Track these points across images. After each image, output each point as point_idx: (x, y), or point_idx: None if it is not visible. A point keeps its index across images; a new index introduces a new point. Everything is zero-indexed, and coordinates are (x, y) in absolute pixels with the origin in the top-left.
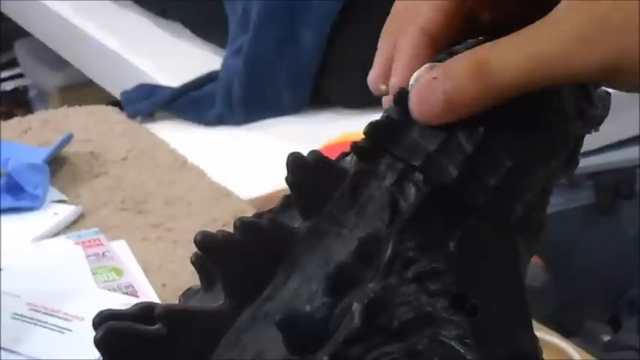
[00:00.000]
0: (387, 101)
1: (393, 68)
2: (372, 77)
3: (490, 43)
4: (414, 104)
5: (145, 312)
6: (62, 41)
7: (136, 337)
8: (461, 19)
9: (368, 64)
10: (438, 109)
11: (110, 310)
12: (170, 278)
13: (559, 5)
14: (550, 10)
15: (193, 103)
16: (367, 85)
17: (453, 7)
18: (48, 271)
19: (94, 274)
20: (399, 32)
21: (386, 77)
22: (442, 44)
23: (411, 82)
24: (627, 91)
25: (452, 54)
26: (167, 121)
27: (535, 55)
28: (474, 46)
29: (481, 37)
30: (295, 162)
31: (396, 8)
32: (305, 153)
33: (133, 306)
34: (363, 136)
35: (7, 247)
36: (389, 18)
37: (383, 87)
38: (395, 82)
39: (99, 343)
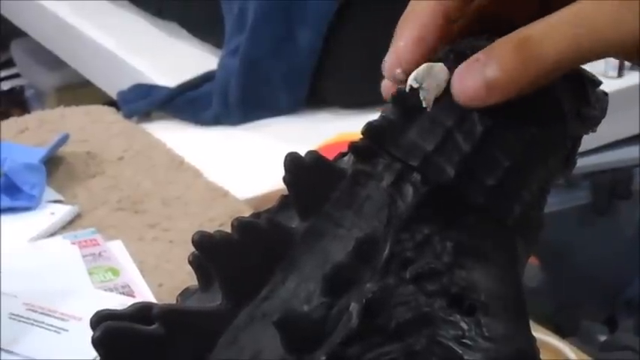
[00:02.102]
0: (386, 89)
1: (403, 30)
2: (389, 63)
3: (529, 24)
4: (456, 89)
5: (142, 312)
6: (59, 41)
7: (134, 337)
8: (472, 15)
9: (364, 64)
10: (482, 91)
11: (108, 309)
12: (166, 278)
13: None
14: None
15: (190, 103)
16: (364, 85)
17: None
18: (45, 271)
19: (90, 274)
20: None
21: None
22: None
23: (409, 82)
24: None
25: (451, 51)
26: (164, 121)
27: (579, 24)
28: (473, 44)
29: (485, 35)
30: (293, 162)
31: None
32: (302, 153)
33: (130, 306)
34: (360, 137)
35: (4, 247)
36: (408, 6)
37: (399, 72)
38: (401, 46)
39: (96, 343)
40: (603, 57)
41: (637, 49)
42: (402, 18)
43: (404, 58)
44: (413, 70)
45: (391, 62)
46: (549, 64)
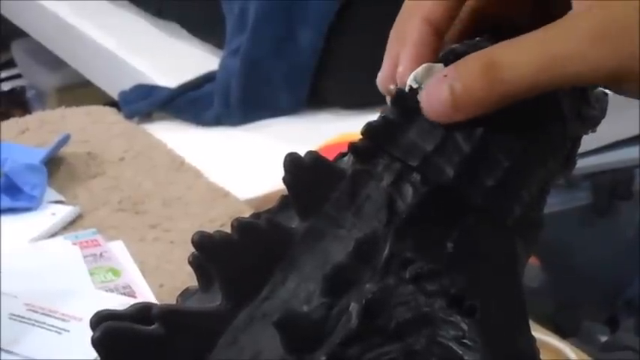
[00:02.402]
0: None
1: (400, 59)
2: (382, 78)
3: (501, 43)
4: (423, 102)
5: (142, 312)
6: (59, 42)
7: (134, 337)
8: (468, 17)
9: (365, 65)
10: (447, 107)
11: (108, 310)
12: (167, 279)
13: (573, 7)
14: (555, 9)
15: (191, 103)
16: (365, 86)
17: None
18: (45, 272)
19: (91, 274)
20: (404, 27)
21: (395, 78)
22: (445, 37)
23: (408, 82)
24: (632, 96)
25: (451, 52)
26: (164, 122)
27: (546, 55)
28: (473, 45)
29: (478, 38)
30: (293, 162)
31: (402, 9)
32: (302, 153)
33: (130, 306)
34: (360, 137)
35: (5, 247)
36: (397, 20)
37: (392, 87)
38: (401, 70)
39: (96, 344)
40: (571, 85)
41: (604, 80)
42: (393, 39)
43: (405, 81)
44: (402, 73)
45: (385, 77)
46: (514, 88)
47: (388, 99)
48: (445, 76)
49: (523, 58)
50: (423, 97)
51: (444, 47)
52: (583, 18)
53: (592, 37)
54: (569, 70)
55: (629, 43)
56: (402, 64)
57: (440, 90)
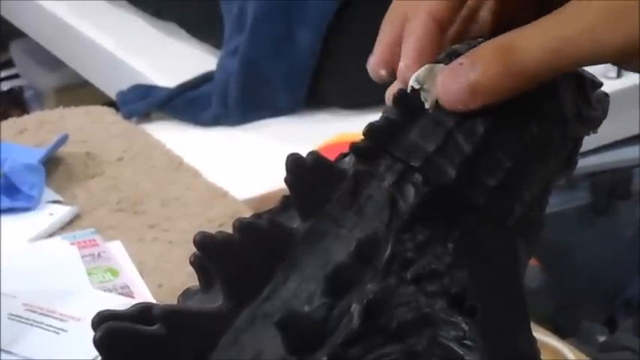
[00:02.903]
0: (389, 95)
1: (403, 51)
2: (373, 63)
3: (514, 30)
4: (440, 92)
5: (143, 312)
6: (58, 42)
7: (135, 337)
8: (469, 17)
9: (364, 65)
10: (465, 95)
11: (109, 310)
12: (166, 279)
13: None
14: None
15: (189, 103)
16: (364, 86)
17: None
18: (44, 272)
19: (89, 274)
20: (405, 19)
21: (387, 63)
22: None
23: (410, 83)
24: None
25: (453, 52)
26: (163, 122)
27: (559, 35)
28: (475, 44)
29: (480, 38)
30: (294, 163)
31: None
32: (302, 153)
33: (131, 306)
34: (361, 137)
35: (3, 247)
36: (391, 6)
37: (383, 72)
38: (403, 65)
39: (98, 344)
40: (585, 65)
41: (613, 57)
42: (386, 24)
43: (406, 77)
44: (404, 68)
45: (376, 62)
46: (531, 71)
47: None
48: (461, 63)
49: (537, 41)
50: (438, 86)
51: (445, 47)
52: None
53: (602, 15)
54: (581, 50)
55: (636, 19)
56: (404, 59)
57: (457, 77)
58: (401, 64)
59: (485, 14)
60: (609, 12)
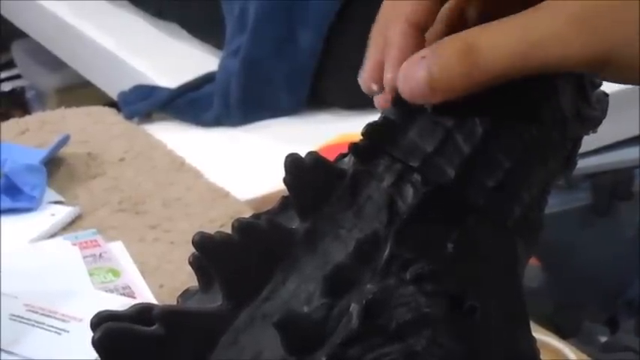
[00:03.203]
0: (379, 101)
1: (386, 64)
2: (364, 77)
3: (480, 25)
4: (400, 82)
5: (143, 313)
6: (59, 42)
7: (134, 337)
8: (452, 15)
9: None
10: (423, 87)
11: (108, 310)
12: (167, 279)
13: None
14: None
15: (191, 104)
16: None
17: None
18: (45, 272)
19: (90, 275)
20: (386, 28)
21: (377, 77)
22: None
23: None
24: (616, 82)
25: None
26: (164, 122)
27: (526, 38)
28: None
29: None
30: (293, 163)
31: (382, 9)
32: (302, 154)
33: (131, 307)
34: (361, 137)
35: (5, 248)
36: (377, 20)
37: (374, 86)
38: (389, 77)
39: (97, 344)
40: (551, 71)
41: (583, 65)
42: (374, 39)
43: (377, 74)
44: (390, 80)
45: (367, 77)
46: (492, 73)
47: (376, 99)
48: (423, 57)
49: (501, 41)
50: (399, 77)
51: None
52: (564, 2)
53: (573, 21)
54: (548, 55)
55: (611, 28)
56: (388, 70)
57: (417, 70)
58: (386, 76)
59: (471, 13)
60: (583, 20)
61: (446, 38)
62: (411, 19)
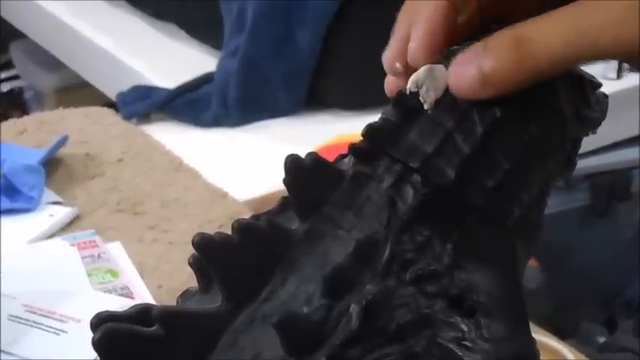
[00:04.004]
0: (389, 85)
1: (412, 35)
2: (389, 56)
3: (531, 18)
4: (452, 80)
5: (142, 313)
6: (58, 43)
7: (134, 338)
8: (473, 16)
9: (364, 66)
10: (475, 83)
11: (108, 311)
12: (166, 280)
13: None
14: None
15: (189, 104)
16: (363, 86)
17: None
18: (43, 273)
19: (89, 275)
20: (416, 5)
21: (402, 56)
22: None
23: (408, 85)
24: None
25: (452, 53)
26: (163, 123)
27: (579, 27)
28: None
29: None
30: (293, 163)
31: None
32: (301, 154)
33: (130, 307)
34: (360, 138)
35: (3, 248)
36: (409, 4)
37: (398, 65)
38: (413, 46)
39: (97, 345)
40: (600, 59)
41: (634, 53)
42: (402, 17)
43: (416, 58)
44: (414, 49)
45: (392, 55)
46: (544, 63)
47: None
48: (475, 52)
49: (555, 31)
50: (450, 75)
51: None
52: None
53: (625, 8)
54: (602, 43)
55: None
56: (413, 40)
57: (469, 65)
58: (410, 44)
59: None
60: (633, 5)
61: (496, 33)
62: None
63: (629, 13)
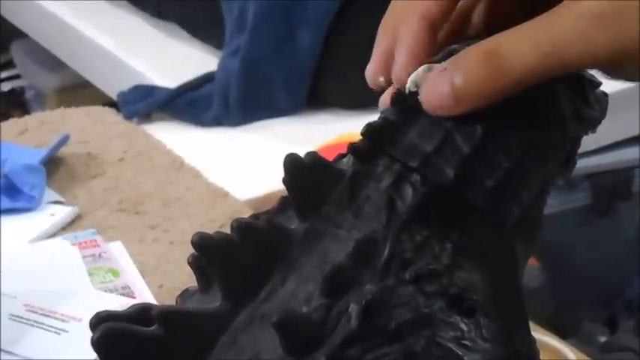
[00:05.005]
0: (384, 100)
1: (396, 53)
2: (371, 71)
3: (500, 33)
4: (423, 96)
5: (142, 313)
6: (59, 42)
7: (133, 338)
8: (460, 17)
9: (365, 65)
10: (447, 100)
11: (107, 311)
12: (167, 279)
13: None
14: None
15: (190, 104)
16: (364, 86)
17: None
18: (45, 272)
19: (90, 275)
20: (399, 23)
21: (385, 70)
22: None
23: (407, 85)
24: (633, 79)
25: (450, 53)
26: (164, 122)
27: (547, 39)
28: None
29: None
30: (292, 163)
31: (393, 3)
32: (302, 154)
33: (130, 307)
34: (360, 138)
35: (4, 248)
36: (387, 13)
37: (381, 79)
38: (398, 68)
39: (96, 344)
40: (574, 70)
41: (605, 62)
42: (382, 32)
43: (401, 80)
44: (398, 71)
45: (374, 70)
46: (516, 77)
47: (381, 99)
48: (444, 69)
49: (525, 44)
50: (422, 92)
51: (439, 49)
52: (585, 3)
53: (594, 19)
54: (572, 54)
55: (631, 24)
56: (398, 62)
57: (439, 83)
58: (395, 66)
59: (477, 16)
60: (605, 13)
61: (464, 49)
62: (425, 14)
63: (593, 27)
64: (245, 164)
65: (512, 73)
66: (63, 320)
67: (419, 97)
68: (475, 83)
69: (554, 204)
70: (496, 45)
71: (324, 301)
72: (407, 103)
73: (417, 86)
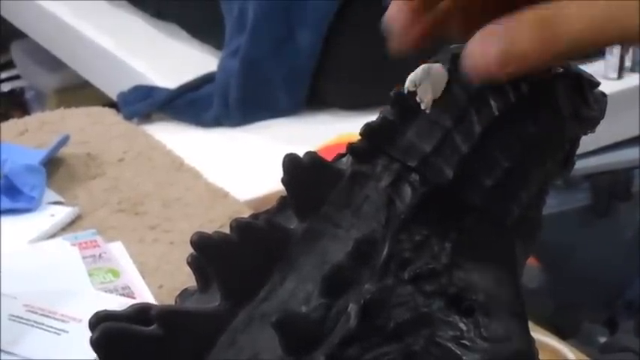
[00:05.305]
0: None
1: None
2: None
3: (556, 1)
4: (468, 58)
5: (141, 313)
6: (59, 43)
7: (132, 337)
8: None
9: (364, 66)
10: (495, 62)
11: (106, 311)
12: (167, 279)
13: None
14: None
15: (190, 104)
16: (364, 87)
17: None
18: (45, 273)
19: (90, 275)
20: None
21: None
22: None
23: (406, 84)
24: None
25: (450, 53)
26: (164, 123)
27: (605, 9)
28: None
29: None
30: (291, 163)
31: None
32: (301, 154)
33: (129, 307)
34: (359, 138)
35: (4, 248)
36: None
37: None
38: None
39: (95, 344)
40: (621, 42)
41: None
42: None
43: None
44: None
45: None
46: (566, 45)
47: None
48: (495, 30)
49: (576, 14)
50: (467, 51)
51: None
52: None
53: None
54: (622, 27)
55: None
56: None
57: (488, 44)
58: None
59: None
60: None
61: (517, 13)
62: None
63: None
64: (245, 164)
65: (563, 40)
66: (63, 321)
67: (417, 97)
68: (526, 49)
69: (553, 204)
70: (549, 11)
71: (323, 300)
72: (405, 102)
73: (415, 86)
